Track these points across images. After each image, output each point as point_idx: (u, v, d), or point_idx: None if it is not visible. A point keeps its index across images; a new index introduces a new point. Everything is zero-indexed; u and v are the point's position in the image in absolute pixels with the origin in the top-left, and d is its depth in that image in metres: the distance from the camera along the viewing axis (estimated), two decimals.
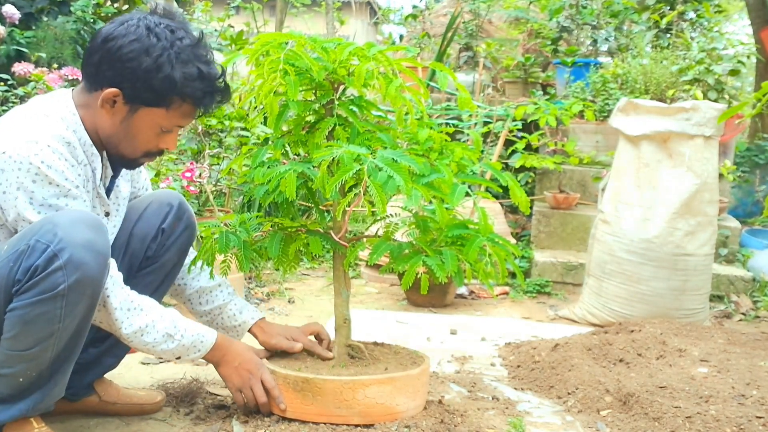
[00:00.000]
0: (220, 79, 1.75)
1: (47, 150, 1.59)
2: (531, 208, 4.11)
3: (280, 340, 1.99)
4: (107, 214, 1.83)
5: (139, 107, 1.69)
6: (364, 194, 1.62)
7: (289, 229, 1.94)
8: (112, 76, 1.66)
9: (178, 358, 1.80)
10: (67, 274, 1.51)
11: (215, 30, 6.09)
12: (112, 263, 1.68)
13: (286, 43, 1.81)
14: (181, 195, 2.03)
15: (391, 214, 1.95)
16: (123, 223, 1.92)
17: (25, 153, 1.57)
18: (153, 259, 1.95)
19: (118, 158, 1.79)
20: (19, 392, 1.61)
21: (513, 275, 3.78)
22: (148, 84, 1.65)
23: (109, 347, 1.96)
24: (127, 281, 1.76)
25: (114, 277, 1.69)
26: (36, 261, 1.51)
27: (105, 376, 2.02)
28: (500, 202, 4.34)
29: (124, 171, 1.89)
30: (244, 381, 1.86)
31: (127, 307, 1.70)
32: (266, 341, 2.00)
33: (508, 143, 4.63)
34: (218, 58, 1.82)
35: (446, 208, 1.77)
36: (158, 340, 1.74)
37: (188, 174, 3.32)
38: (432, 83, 5.21)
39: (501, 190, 1.97)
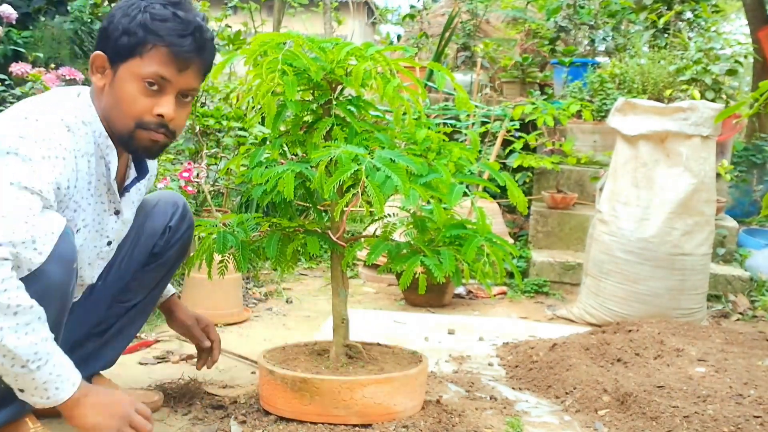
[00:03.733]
0: (199, 25, 1.65)
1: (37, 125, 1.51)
2: (529, 208, 4.11)
3: (195, 329, 2.10)
4: (117, 213, 1.79)
5: (119, 65, 1.64)
6: (362, 194, 1.62)
7: (287, 229, 1.94)
8: (97, 44, 1.68)
9: (21, 390, 1.45)
10: None
11: (212, 30, 6.09)
12: (6, 265, 1.37)
13: (284, 44, 1.81)
14: (182, 196, 2.07)
15: (389, 214, 1.95)
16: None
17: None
18: (158, 255, 1.98)
19: (122, 141, 1.68)
20: (7, 394, 1.57)
21: (511, 275, 3.80)
22: (121, 32, 1.61)
23: (108, 339, 1.97)
24: (133, 276, 1.74)
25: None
26: None
27: (103, 374, 2.03)
28: (498, 202, 4.34)
29: (145, 180, 1.86)
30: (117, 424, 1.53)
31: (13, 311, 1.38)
32: (184, 321, 2.10)
33: (506, 143, 4.63)
34: (215, 58, 1.81)
35: (444, 208, 1.77)
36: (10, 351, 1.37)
37: (186, 174, 3.31)
38: (430, 83, 5.21)
39: (499, 190, 1.97)
